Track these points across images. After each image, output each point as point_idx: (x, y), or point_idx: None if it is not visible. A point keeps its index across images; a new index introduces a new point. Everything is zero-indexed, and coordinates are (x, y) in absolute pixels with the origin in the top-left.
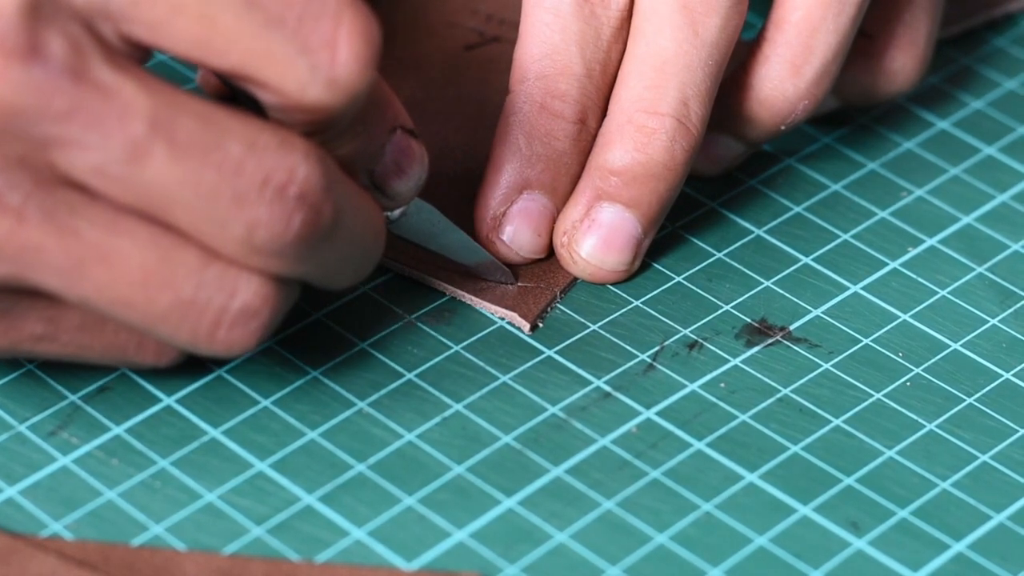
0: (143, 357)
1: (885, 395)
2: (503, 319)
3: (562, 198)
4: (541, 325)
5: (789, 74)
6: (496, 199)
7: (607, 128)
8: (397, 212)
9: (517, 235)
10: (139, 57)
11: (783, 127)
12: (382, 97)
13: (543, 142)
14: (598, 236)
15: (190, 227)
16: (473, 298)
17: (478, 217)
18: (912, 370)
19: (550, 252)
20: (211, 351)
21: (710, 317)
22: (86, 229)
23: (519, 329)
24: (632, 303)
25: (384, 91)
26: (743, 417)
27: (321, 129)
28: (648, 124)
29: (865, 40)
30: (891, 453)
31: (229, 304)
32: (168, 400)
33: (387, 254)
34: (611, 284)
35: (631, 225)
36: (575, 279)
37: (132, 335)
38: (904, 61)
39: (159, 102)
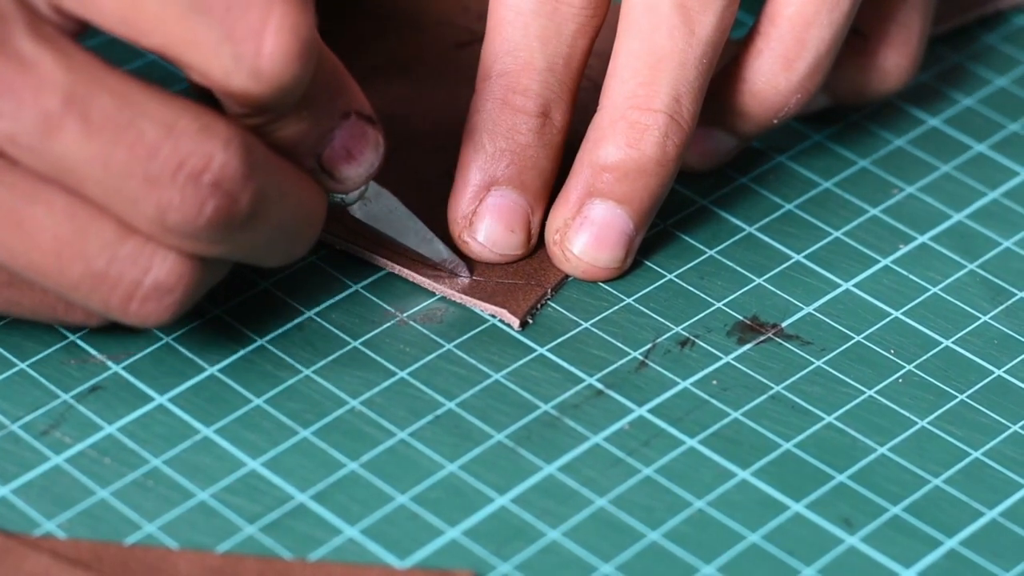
0: (72, 317)
1: (877, 392)
2: (494, 316)
3: (532, 193)
4: (531, 322)
5: (782, 68)
6: (465, 199)
7: (599, 124)
8: (353, 196)
9: (489, 233)
10: (72, 29)
11: (775, 121)
12: (333, 82)
13: (506, 138)
14: (590, 233)
15: (103, 202)
16: (463, 296)
17: (450, 219)
18: (904, 367)
19: (535, 249)
20: (125, 321)
21: (702, 315)
22: (1, 193)
23: (511, 327)
24: (624, 301)
25: (337, 76)
26: (735, 414)
27: (259, 112)
28: (641, 120)
29: (858, 38)
30: (883, 450)
31: (143, 279)
32: (160, 399)
33: (363, 245)
34: (603, 282)
35: (623, 222)
36: (566, 276)
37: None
38: (897, 60)
39: (77, 77)
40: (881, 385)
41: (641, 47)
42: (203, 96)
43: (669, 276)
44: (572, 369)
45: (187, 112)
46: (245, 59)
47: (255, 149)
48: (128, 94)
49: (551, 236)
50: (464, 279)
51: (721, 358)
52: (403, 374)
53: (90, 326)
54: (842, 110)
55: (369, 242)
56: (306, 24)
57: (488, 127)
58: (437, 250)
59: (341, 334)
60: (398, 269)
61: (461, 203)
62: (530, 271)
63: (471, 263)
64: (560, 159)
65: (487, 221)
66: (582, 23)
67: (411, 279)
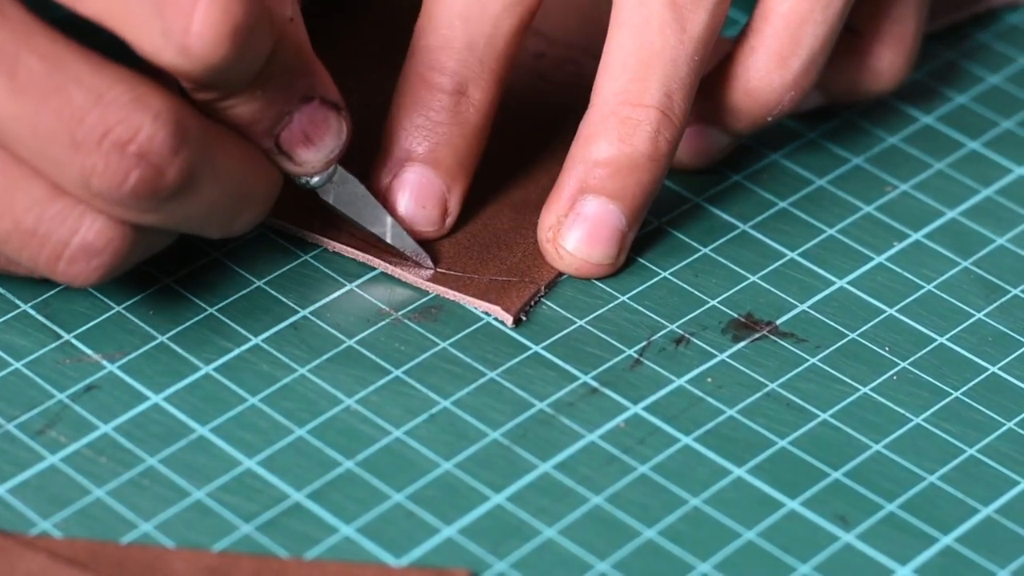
0: (15, 269)
1: (872, 389)
2: (487, 314)
3: (445, 170)
4: (524, 319)
5: (776, 65)
6: (380, 173)
7: (590, 120)
8: (317, 179)
9: (403, 208)
10: None
11: (769, 118)
12: (293, 65)
13: (421, 114)
14: (583, 230)
15: (31, 162)
16: (456, 293)
17: (372, 192)
18: (898, 364)
19: (533, 247)
20: (56, 279)
21: (696, 312)
22: None
23: (505, 325)
24: (618, 298)
25: (299, 60)
26: (730, 412)
27: (205, 88)
28: (633, 116)
29: (853, 37)
30: (878, 447)
31: (70, 240)
32: (156, 398)
33: (336, 237)
34: (597, 279)
35: (616, 218)
36: (560, 274)
37: None
38: (892, 59)
39: (8, 38)
40: (876, 382)
41: (633, 43)
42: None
43: (663, 274)
44: (567, 367)
45: (121, 82)
46: (173, 36)
47: (189, 124)
48: (60, 58)
49: (544, 233)
50: (428, 271)
51: (716, 356)
52: (398, 372)
53: (35, 275)
54: (835, 108)
55: (342, 234)
56: (242, 7)
57: (405, 103)
58: (403, 240)
59: (336, 333)
60: (368, 259)
61: (378, 176)
62: (523, 268)
63: (434, 255)
64: (481, 139)
65: (400, 197)
66: (509, 3)
67: (386, 271)
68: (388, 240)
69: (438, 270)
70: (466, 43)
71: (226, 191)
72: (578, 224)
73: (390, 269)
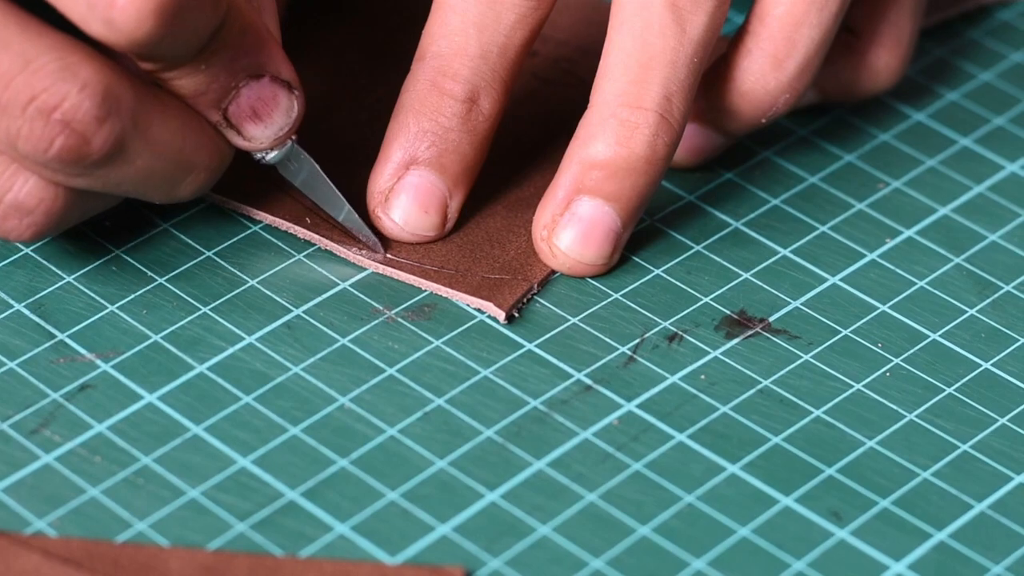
0: None
1: (865, 386)
2: (480, 311)
3: (451, 176)
4: (517, 316)
5: (771, 67)
6: (384, 175)
7: (589, 121)
8: (273, 156)
9: (403, 212)
10: None
11: (764, 120)
12: (242, 42)
13: (431, 119)
14: (577, 230)
15: None
16: (449, 290)
17: (368, 192)
18: (892, 361)
19: (526, 245)
20: None
21: (690, 309)
22: None
23: (499, 323)
24: (612, 296)
25: (249, 37)
26: (724, 409)
27: (145, 60)
28: (631, 119)
29: (851, 37)
30: (872, 443)
31: (3, 197)
32: (150, 397)
33: (290, 219)
34: (590, 278)
35: (610, 219)
36: (552, 272)
37: None
38: (889, 59)
39: None
40: (869, 379)
41: (632, 45)
42: None
43: (656, 271)
44: (560, 365)
45: (52, 50)
46: (97, 8)
47: (120, 94)
48: None
49: (538, 232)
50: (379, 256)
51: (709, 353)
52: (392, 371)
53: None
54: (828, 105)
55: (297, 218)
56: None
57: (415, 107)
58: (357, 224)
59: (329, 331)
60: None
61: (380, 178)
62: (516, 266)
63: (386, 242)
64: (486, 147)
65: (403, 199)
66: (522, 14)
67: (332, 249)
68: (341, 221)
69: (430, 267)
70: (480, 52)
71: (162, 160)
72: (573, 224)
73: (337, 248)
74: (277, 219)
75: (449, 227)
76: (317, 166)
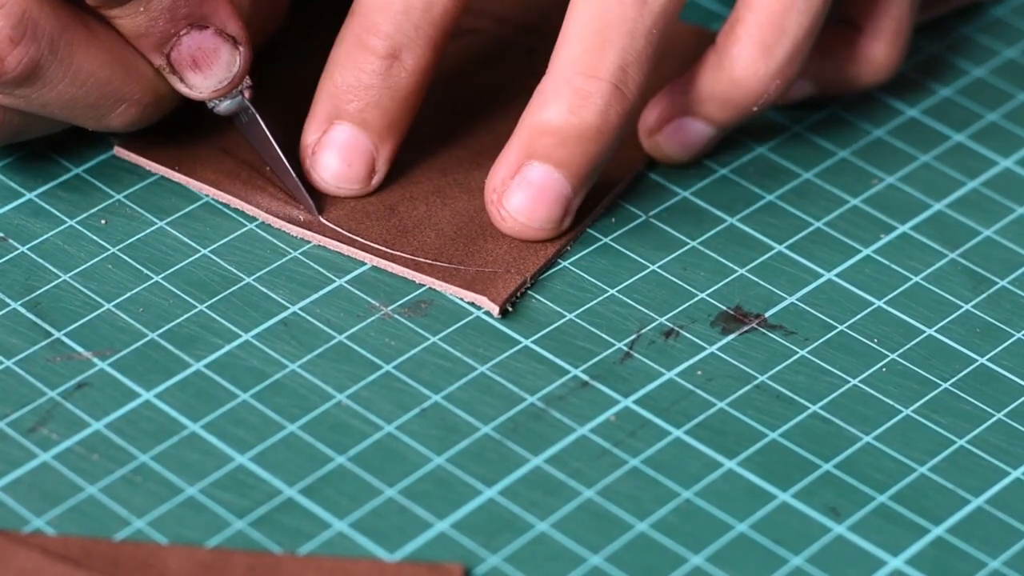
0: None
1: (861, 381)
2: (476, 307)
3: (374, 131)
4: (511, 310)
5: (761, 54)
6: (311, 130)
7: (544, 87)
8: (224, 107)
9: (327, 165)
10: None
11: (755, 108)
12: None
13: (353, 74)
14: (526, 194)
15: None
16: (442, 283)
17: (300, 147)
18: (887, 356)
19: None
20: None
21: (685, 305)
22: None
23: (496, 319)
24: (608, 292)
25: None
26: (720, 404)
27: None
28: (584, 87)
29: (849, 29)
30: (868, 439)
31: None
32: (147, 395)
33: (244, 197)
34: (541, 241)
35: (560, 184)
36: (545, 265)
37: None
38: (887, 52)
39: None
40: (865, 374)
41: (592, 14)
42: None
43: (652, 267)
44: (557, 361)
45: None
46: None
47: (39, 21)
48: None
49: (489, 195)
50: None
51: (705, 348)
52: (389, 367)
53: None
54: (821, 100)
55: (226, 183)
56: None
57: (340, 61)
58: (294, 184)
59: (326, 328)
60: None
61: (307, 133)
62: (510, 260)
63: (320, 203)
64: (412, 102)
65: (327, 154)
66: None
67: (266, 220)
68: (285, 183)
69: (424, 261)
70: (403, 7)
71: (86, 89)
72: (522, 188)
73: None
74: (221, 192)
75: (377, 180)
76: (263, 125)
